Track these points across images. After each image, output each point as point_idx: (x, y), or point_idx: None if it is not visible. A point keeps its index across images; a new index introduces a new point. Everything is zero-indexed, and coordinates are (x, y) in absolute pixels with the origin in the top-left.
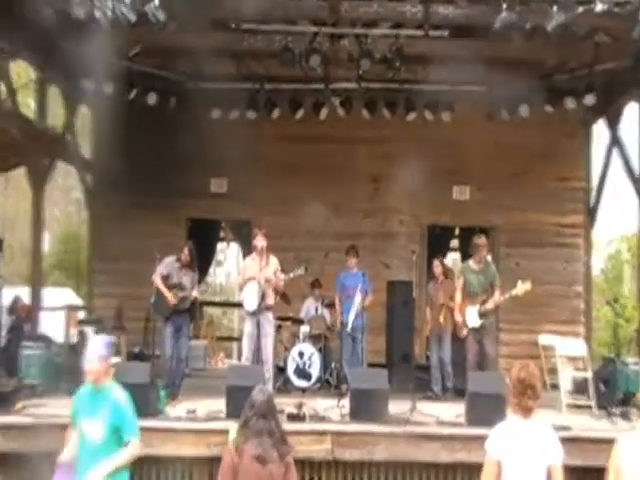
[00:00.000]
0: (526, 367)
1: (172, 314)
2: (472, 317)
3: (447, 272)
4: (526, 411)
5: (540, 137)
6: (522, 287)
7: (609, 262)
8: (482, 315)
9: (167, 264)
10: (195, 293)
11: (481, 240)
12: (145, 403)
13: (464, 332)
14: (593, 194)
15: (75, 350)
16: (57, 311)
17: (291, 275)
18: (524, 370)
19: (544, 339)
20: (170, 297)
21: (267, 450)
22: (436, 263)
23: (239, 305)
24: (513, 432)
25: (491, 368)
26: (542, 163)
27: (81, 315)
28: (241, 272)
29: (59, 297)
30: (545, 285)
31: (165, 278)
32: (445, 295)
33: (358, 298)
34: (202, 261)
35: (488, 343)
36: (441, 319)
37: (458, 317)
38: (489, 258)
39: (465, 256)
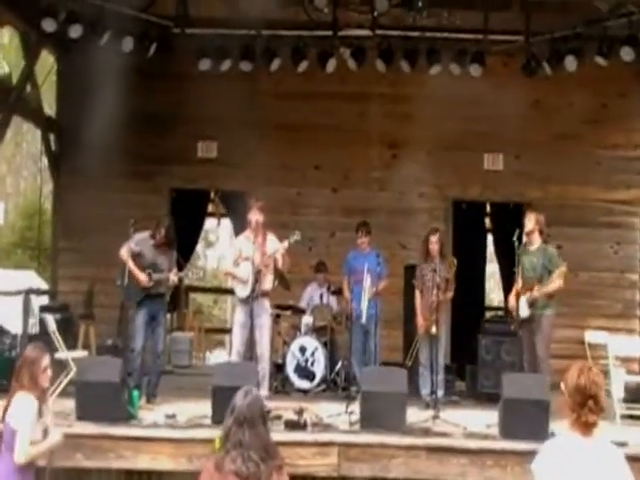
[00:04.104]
0: (587, 371)
1: (145, 299)
2: (522, 307)
3: (444, 251)
4: (586, 427)
5: (588, 96)
6: (557, 277)
7: None
8: (531, 304)
9: (139, 240)
10: (173, 277)
11: (529, 216)
12: (114, 406)
13: (514, 325)
14: None
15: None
16: (13, 296)
17: (286, 244)
18: (584, 375)
19: (592, 336)
20: (143, 278)
21: (247, 465)
22: (433, 238)
23: (231, 292)
24: (569, 452)
25: (538, 370)
26: (590, 127)
27: (44, 301)
28: (233, 252)
29: (19, 280)
30: (592, 272)
31: (136, 256)
32: (435, 285)
33: (368, 282)
34: (187, 239)
35: (538, 339)
36: (433, 328)
37: (512, 306)
38: (539, 238)
39: (500, 239)
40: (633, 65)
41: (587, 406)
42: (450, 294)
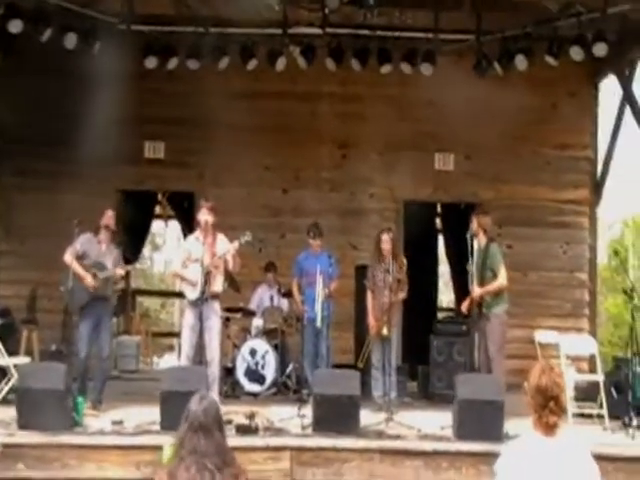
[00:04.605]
0: (548, 372)
1: (90, 303)
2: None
3: (396, 251)
4: (548, 428)
5: (539, 96)
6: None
7: (610, 248)
8: (479, 304)
9: (83, 241)
10: (120, 270)
11: (472, 219)
12: (59, 413)
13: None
14: (600, 165)
15: None
16: None
17: (236, 244)
18: (546, 376)
19: (542, 336)
20: (89, 280)
21: (202, 474)
22: (385, 237)
23: (179, 295)
24: (532, 453)
25: (485, 369)
26: (540, 127)
27: None
28: (182, 253)
29: None
30: (542, 272)
31: (81, 257)
32: (387, 286)
33: (320, 284)
34: (134, 242)
35: (485, 338)
36: (384, 329)
37: (464, 308)
38: (483, 237)
39: (450, 239)
40: (583, 65)
41: (548, 407)
42: (402, 295)
